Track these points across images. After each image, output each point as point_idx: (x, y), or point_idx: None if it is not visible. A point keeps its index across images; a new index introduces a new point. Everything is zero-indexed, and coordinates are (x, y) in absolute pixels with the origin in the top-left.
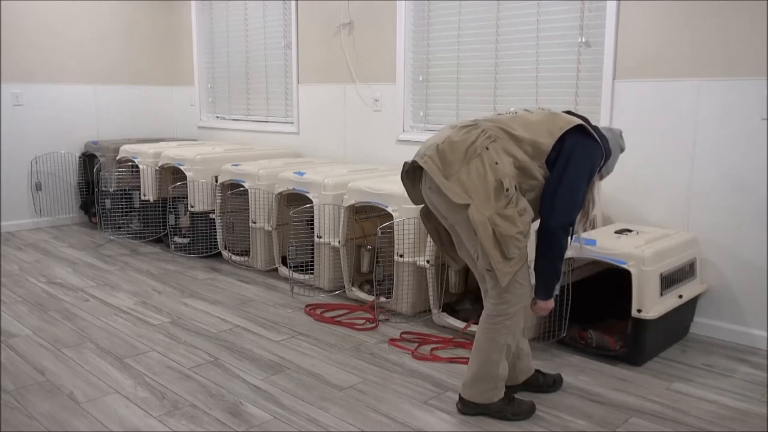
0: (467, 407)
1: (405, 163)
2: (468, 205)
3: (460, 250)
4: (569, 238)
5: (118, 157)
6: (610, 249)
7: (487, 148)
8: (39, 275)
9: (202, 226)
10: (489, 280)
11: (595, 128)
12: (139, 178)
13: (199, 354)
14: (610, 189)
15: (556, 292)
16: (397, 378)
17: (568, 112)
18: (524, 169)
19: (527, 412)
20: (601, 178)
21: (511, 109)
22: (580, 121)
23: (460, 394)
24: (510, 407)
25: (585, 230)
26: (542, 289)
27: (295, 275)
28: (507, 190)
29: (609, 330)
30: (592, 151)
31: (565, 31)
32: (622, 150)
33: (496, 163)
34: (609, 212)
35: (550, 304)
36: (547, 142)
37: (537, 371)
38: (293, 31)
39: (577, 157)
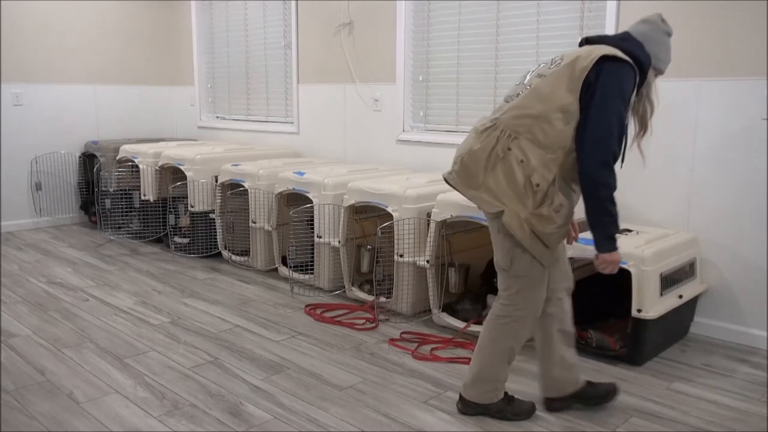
0: (468, 407)
1: (444, 177)
2: (502, 212)
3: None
4: (614, 171)
5: (118, 157)
6: None
7: (509, 149)
8: (39, 275)
9: (202, 226)
10: (502, 279)
11: (623, 38)
12: (139, 178)
13: (199, 354)
14: None
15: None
16: (397, 378)
17: (586, 41)
18: (557, 147)
19: (527, 412)
20: (659, 73)
21: (526, 79)
22: (599, 55)
23: (460, 394)
24: (510, 407)
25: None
26: (601, 240)
27: (295, 275)
28: (537, 185)
29: (609, 330)
30: (617, 73)
31: (565, 31)
32: (669, 35)
33: (522, 161)
34: None
35: (615, 256)
36: (573, 99)
37: (588, 382)
38: (293, 31)
39: (601, 88)
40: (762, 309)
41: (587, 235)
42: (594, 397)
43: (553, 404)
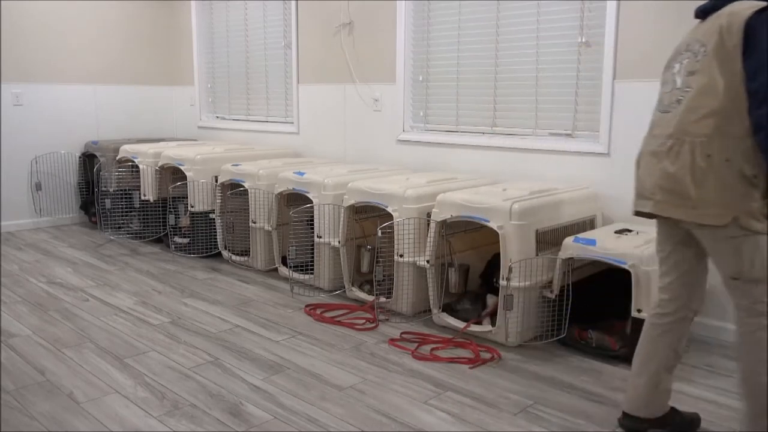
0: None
1: (636, 212)
2: (735, 218)
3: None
4: None
5: (118, 157)
6: (610, 249)
7: (709, 155)
8: (39, 275)
9: (202, 226)
10: (748, 293)
11: None
12: (139, 178)
13: (199, 354)
14: (610, 190)
15: None
16: (397, 378)
17: (702, 12)
18: (748, 131)
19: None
20: None
21: (678, 83)
22: (742, 23)
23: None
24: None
25: None
26: None
27: (295, 275)
28: (754, 176)
29: (609, 330)
30: (765, 23)
31: (565, 31)
32: None
33: (727, 160)
34: (609, 212)
35: None
36: (738, 78)
37: (673, 409)
38: (293, 31)
39: (757, 45)
40: None
41: (586, 234)
42: (679, 425)
43: (640, 425)
